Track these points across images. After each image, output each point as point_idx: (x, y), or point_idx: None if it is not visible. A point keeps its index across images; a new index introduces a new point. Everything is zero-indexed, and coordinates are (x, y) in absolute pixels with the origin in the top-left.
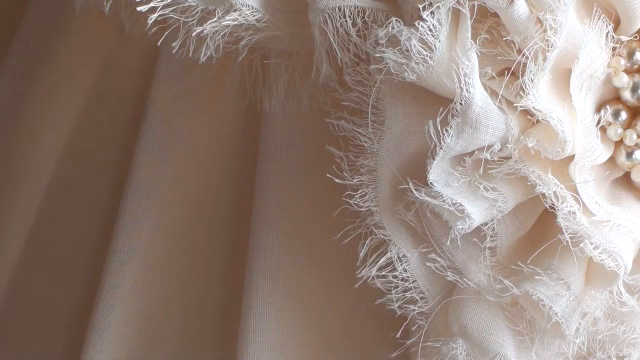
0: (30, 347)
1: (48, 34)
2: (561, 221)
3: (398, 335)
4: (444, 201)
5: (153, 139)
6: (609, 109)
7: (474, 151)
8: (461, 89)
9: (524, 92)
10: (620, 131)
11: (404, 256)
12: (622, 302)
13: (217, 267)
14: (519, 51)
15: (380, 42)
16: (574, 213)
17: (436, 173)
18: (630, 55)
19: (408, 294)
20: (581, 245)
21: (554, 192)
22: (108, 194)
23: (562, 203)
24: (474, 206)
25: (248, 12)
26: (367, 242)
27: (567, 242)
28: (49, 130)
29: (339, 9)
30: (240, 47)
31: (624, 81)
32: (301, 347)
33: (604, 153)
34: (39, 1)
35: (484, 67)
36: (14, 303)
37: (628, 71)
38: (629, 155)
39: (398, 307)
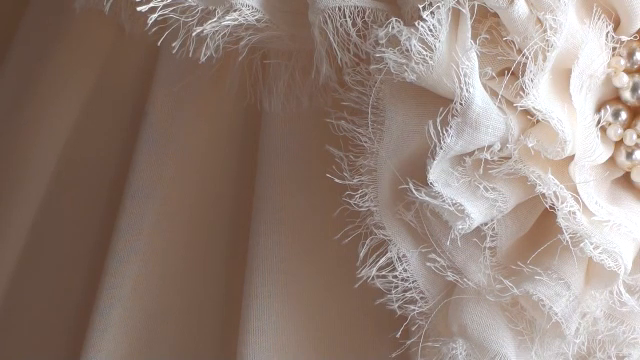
0: (30, 347)
1: (48, 34)
2: (561, 221)
3: (398, 335)
4: (444, 201)
5: (153, 139)
6: (609, 109)
7: (474, 151)
8: (461, 89)
9: (524, 92)
10: (620, 131)
11: (404, 256)
12: (622, 302)
13: (217, 267)
14: (519, 51)
15: (380, 42)
16: (574, 213)
17: (436, 173)
18: (630, 55)
19: (408, 294)
20: (581, 245)
21: (554, 192)
22: (108, 194)
23: (562, 203)
24: (474, 206)
25: (248, 12)
26: (367, 242)
27: (567, 242)
28: (49, 130)
29: (339, 9)
30: (240, 47)
31: (624, 81)
32: (301, 347)
33: (604, 153)
34: (39, 1)
35: (484, 67)
36: (14, 303)
37: (628, 71)
38: (629, 155)
39: (398, 307)
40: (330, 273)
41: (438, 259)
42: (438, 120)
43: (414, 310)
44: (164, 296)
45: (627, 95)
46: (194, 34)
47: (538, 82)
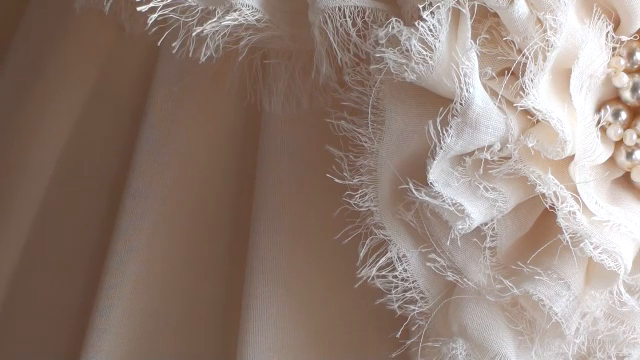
0: (30, 347)
1: (48, 34)
2: (561, 221)
3: (398, 335)
4: (444, 201)
5: (153, 139)
6: (609, 109)
7: (474, 151)
8: (461, 89)
9: (524, 92)
10: (620, 131)
11: (404, 256)
12: (622, 302)
13: (217, 267)
14: (519, 51)
15: (380, 42)
16: (574, 213)
17: (436, 173)
18: (630, 55)
19: (408, 294)
20: (581, 245)
21: (554, 192)
22: (108, 194)
23: (562, 203)
24: (474, 206)
25: (248, 12)
26: (367, 242)
27: (567, 242)
28: (49, 130)
29: (339, 9)
30: (240, 47)
31: (624, 81)
32: (301, 347)
33: (604, 153)
34: (39, 1)
35: (484, 67)
36: (14, 303)
37: (628, 71)
38: (629, 155)
39: (398, 307)
40: (330, 273)
41: (438, 259)
42: (438, 120)
43: (414, 310)
44: (164, 296)
45: (627, 95)
46: (194, 34)
47: (538, 82)
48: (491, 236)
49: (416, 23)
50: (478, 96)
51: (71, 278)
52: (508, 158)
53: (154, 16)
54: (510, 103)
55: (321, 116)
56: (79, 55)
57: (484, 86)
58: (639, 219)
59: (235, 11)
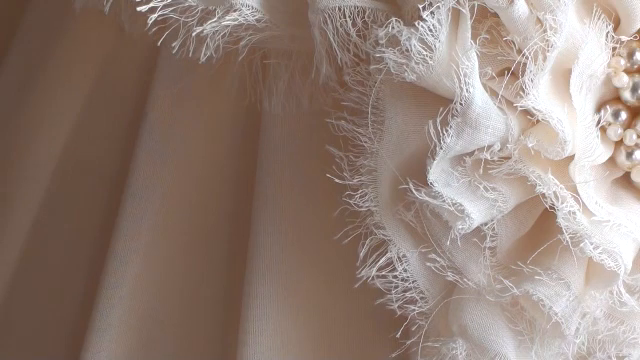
0: (30, 347)
1: (48, 34)
2: (561, 221)
3: (398, 335)
4: (444, 201)
5: (153, 139)
6: (609, 109)
7: (474, 151)
8: (461, 89)
9: (524, 92)
10: (620, 131)
11: (404, 256)
12: (622, 302)
13: (217, 267)
14: (519, 51)
15: (380, 42)
16: (574, 213)
17: (436, 173)
18: (630, 55)
19: (408, 294)
20: (581, 245)
21: (554, 192)
22: (108, 194)
23: (562, 203)
24: (474, 206)
25: (248, 12)
26: (367, 242)
27: (567, 242)
28: (49, 130)
29: (339, 9)
30: (240, 47)
31: (624, 81)
32: (301, 347)
33: (604, 153)
34: (39, 1)
35: (484, 67)
36: (14, 303)
37: (628, 71)
38: (629, 155)
39: (398, 307)
40: (330, 273)
41: (438, 259)
42: (438, 120)
43: (414, 310)
44: (164, 296)
45: (627, 95)
46: (194, 34)
47: (538, 82)
48: (491, 236)
49: (416, 23)
50: (478, 96)
51: (71, 278)
52: (508, 158)
53: (154, 16)
54: (510, 103)
55: (321, 116)
56: (79, 55)
57: (484, 86)
58: (639, 219)
59: (235, 11)
